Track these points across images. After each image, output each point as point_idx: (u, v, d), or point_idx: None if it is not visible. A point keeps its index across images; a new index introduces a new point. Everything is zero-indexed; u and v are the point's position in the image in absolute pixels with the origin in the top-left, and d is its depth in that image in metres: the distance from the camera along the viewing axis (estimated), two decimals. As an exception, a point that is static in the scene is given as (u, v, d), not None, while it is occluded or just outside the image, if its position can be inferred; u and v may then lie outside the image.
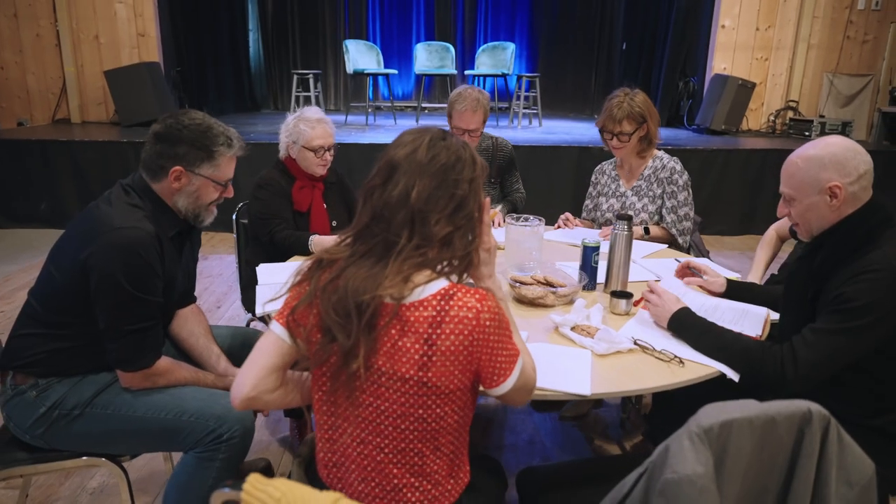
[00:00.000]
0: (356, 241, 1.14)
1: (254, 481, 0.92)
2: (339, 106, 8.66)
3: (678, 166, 2.56)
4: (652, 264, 2.23)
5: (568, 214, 2.74)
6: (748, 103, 6.41)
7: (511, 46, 7.03)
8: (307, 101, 6.06)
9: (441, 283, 1.10)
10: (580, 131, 6.74)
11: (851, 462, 1.03)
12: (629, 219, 1.90)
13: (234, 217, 2.69)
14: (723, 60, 6.61)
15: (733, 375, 1.46)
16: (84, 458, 1.64)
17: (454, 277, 1.16)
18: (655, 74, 7.43)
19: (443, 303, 1.07)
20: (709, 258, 2.72)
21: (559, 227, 2.72)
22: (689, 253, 2.62)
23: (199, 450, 1.54)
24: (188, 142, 1.53)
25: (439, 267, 1.13)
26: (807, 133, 6.30)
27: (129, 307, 1.46)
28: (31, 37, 6.20)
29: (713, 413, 0.98)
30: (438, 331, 1.05)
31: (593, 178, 2.82)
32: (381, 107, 8.17)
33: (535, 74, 6.87)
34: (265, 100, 8.73)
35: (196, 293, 1.88)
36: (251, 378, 1.16)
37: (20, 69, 6.27)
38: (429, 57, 7.13)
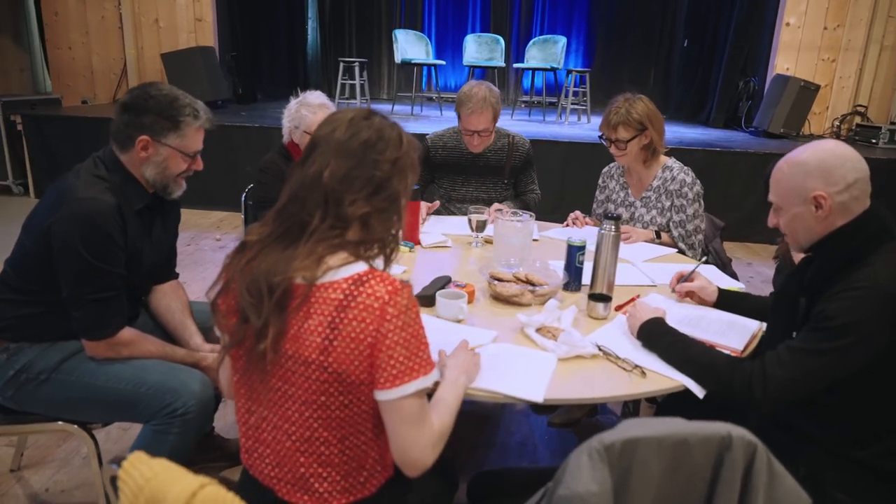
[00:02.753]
0: (274, 222, 1.12)
1: (133, 460, 0.92)
2: (391, 95, 8.71)
3: (688, 178, 2.44)
4: (652, 269, 2.11)
5: (577, 213, 2.65)
6: (811, 106, 6.04)
7: (562, 40, 6.87)
8: (352, 89, 6.10)
9: (357, 268, 1.06)
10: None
11: (783, 495, 0.94)
12: (617, 219, 1.81)
13: (242, 199, 2.73)
14: (786, 60, 6.25)
15: (698, 391, 1.36)
16: (59, 423, 1.70)
17: (378, 263, 1.12)
18: (715, 73, 7.11)
19: (353, 287, 1.03)
20: (730, 266, 2.58)
21: (567, 225, 2.63)
22: (705, 261, 2.49)
23: (155, 422, 1.56)
24: (154, 111, 1.54)
25: (360, 250, 1.09)
26: (874, 140, 5.89)
27: (89, 276, 1.49)
28: (97, 19, 6.49)
29: (620, 429, 0.90)
30: (342, 315, 1.02)
31: (601, 181, 2.72)
32: (429, 97, 8.15)
33: (586, 69, 6.70)
34: (319, 87, 8.81)
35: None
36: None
37: (86, 50, 6.58)
38: (478, 49, 7.06)
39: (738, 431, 0.90)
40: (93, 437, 1.73)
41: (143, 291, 1.76)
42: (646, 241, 2.45)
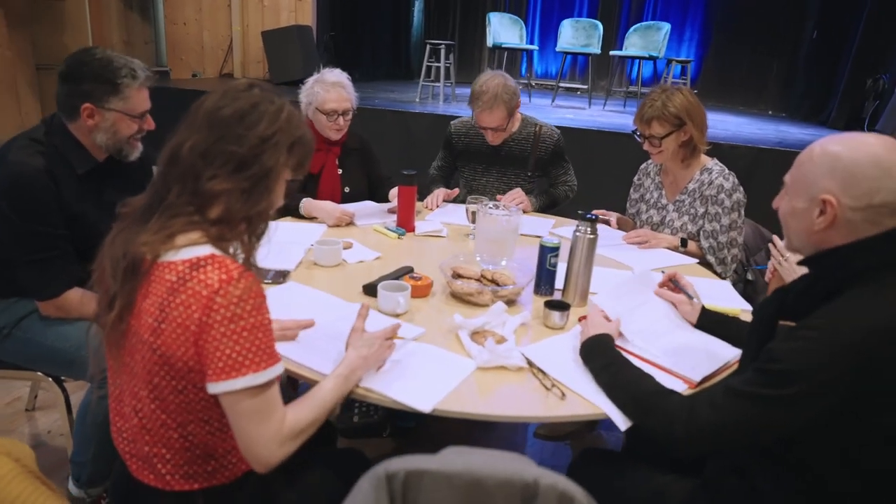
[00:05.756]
0: (146, 194, 1.09)
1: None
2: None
3: (728, 183, 2.16)
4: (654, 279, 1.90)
5: (605, 212, 2.45)
6: (951, 111, 5.24)
7: (665, 27, 6.39)
8: (437, 71, 6.06)
9: (200, 251, 1.01)
10: (736, 126, 5.99)
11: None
12: (593, 221, 1.64)
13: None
14: (925, 56, 5.45)
15: (620, 422, 1.20)
16: (38, 373, 1.81)
17: (236, 247, 1.06)
18: (841, 68, 6.35)
19: (187, 271, 0.98)
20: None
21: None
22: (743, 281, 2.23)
23: (96, 384, 1.61)
24: (91, 78, 1.55)
25: (221, 230, 1.04)
26: None
27: (22, 237, 1.53)
28: (209, -3, 6.89)
29: (410, 458, 0.79)
30: (172, 299, 0.98)
31: (636, 178, 2.49)
32: (529, 84, 7.93)
33: (688, 59, 6.22)
34: (419, 69, 8.89)
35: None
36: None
37: (198, 26, 7.01)
38: (574, 34, 6.74)
39: (548, 479, 0.77)
40: (62, 388, 1.83)
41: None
42: (668, 248, 2.22)
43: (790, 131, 5.87)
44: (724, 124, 6.06)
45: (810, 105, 6.90)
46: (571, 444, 2.34)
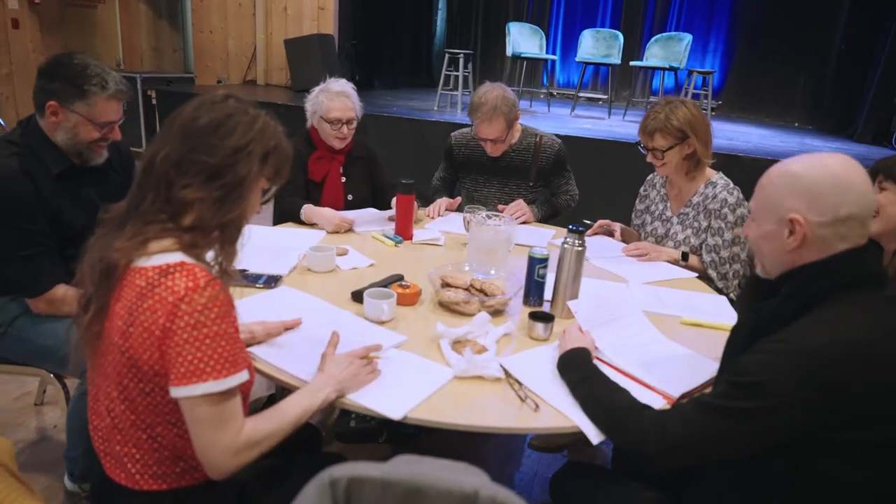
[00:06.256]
0: (126, 200, 1.12)
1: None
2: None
3: (732, 198, 2.14)
4: (648, 292, 1.89)
5: (608, 223, 2.44)
6: (982, 125, 5.10)
7: (687, 38, 6.34)
8: (456, 80, 6.08)
9: (170, 258, 1.03)
10: (759, 139, 5.91)
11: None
12: (581, 233, 1.63)
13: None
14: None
15: (593, 436, 1.19)
16: (29, 367, 1.84)
17: (209, 255, 1.08)
18: (869, 82, 6.23)
19: (157, 277, 1.01)
20: None
21: (595, 233, 2.43)
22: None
23: (82, 381, 1.65)
24: (62, 79, 1.59)
25: (194, 238, 1.06)
26: None
27: (5, 235, 1.56)
28: (235, 6, 7.01)
29: (355, 465, 0.80)
30: (140, 304, 1.00)
31: (642, 189, 2.47)
32: (551, 93, 7.92)
33: (710, 70, 6.15)
34: (440, 77, 8.94)
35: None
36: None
37: (224, 34, 7.15)
38: (595, 44, 6.72)
39: (488, 491, 0.77)
40: (62, 382, 1.88)
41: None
42: (668, 261, 2.20)
43: (814, 144, 5.77)
44: (747, 136, 5.98)
45: (837, 119, 6.77)
46: (570, 455, 2.32)
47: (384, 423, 2.19)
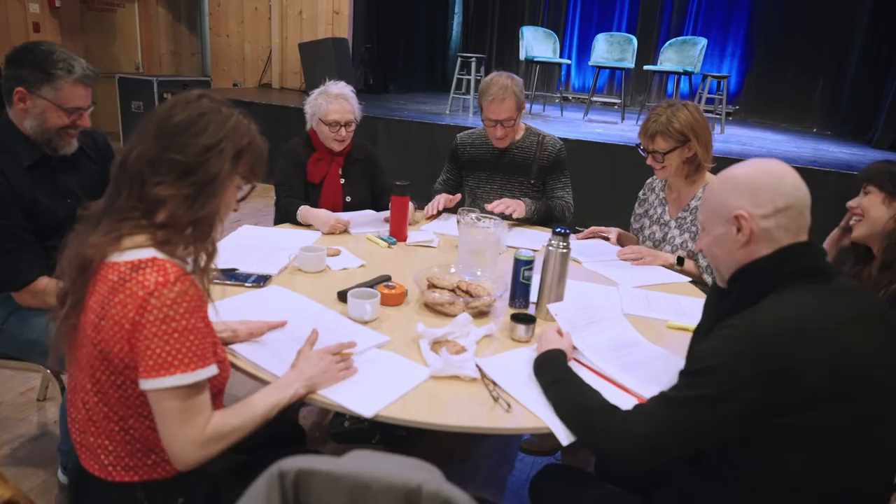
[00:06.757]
0: (104, 197, 1.15)
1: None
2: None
3: None
4: (638, 296, 1.88)
5: (600, 229, 2.43)
6: None
7: (702, 42, 6.29)
8: (468, 83, 6.11)
9: (142, 253, 1.06)
10: (773, 143, 5.84)
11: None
12: (566, 235, 1.63)
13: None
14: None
15: (563, 437, 1.19)
16: (25, 363, 1.88)
17: (181, 251, 1.10)
18: (889, 87, 6.12)
19: (128, 272, 1.03)
20: None
21: (586, 237, 2.43)
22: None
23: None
24: (29, 64, 1.61)
25: (167, 234, 1.08)
26: None
27: None
28: (251, 10, 7.12)
29: (304, 458, 0.81)
30: (111, 298, 1.03)
31: (641, 193, 2.46)
32: (566, 97, 7.92)
33: (725, 74, 6.09)
34: (454, 81, 8.97)
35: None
36: None
37: (240, 38, 7.26)
38: (609, 49, 6.70)
39: (432, 485, 0.78)
40: (58, 378, 1.92)
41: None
42: (663, 266, 2.18)
43: (829, 150, 5.69)
44: (762, 141, 5.92)
45: (855, 124, 6.68)
46: (562, 458, 2.32)
47: (376, 425, 2.21)
